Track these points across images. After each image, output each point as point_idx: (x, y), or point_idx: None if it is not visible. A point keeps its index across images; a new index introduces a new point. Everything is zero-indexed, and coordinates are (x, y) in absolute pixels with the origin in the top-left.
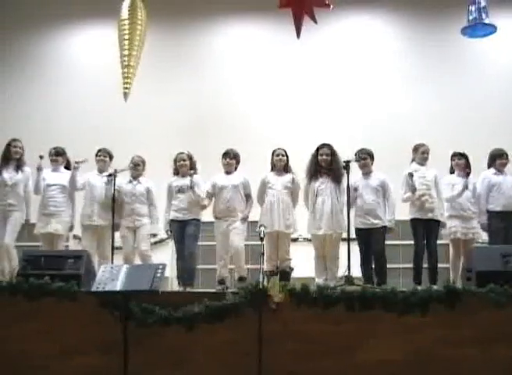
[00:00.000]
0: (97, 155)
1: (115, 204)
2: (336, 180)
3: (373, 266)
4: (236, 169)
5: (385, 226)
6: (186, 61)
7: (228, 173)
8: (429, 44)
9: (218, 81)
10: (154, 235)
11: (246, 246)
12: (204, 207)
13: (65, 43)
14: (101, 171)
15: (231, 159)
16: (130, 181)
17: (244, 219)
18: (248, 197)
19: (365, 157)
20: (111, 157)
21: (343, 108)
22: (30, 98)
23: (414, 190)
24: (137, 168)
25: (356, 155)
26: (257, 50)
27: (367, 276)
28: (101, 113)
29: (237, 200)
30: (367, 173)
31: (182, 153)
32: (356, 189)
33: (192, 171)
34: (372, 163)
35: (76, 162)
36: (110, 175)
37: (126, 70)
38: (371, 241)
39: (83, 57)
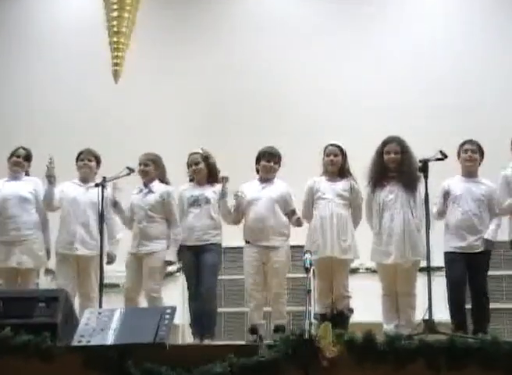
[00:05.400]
0: (78, 159)
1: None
2: (410, 186)
3: (468, 307)
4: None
5: (489, 251)
6: (201, 27)
7: (265, 180)
8: None
9: (247, 55)
10: (170, 263)
11: (286, 280)
12: (235, 221)
13: (40, 4)
14: (84, 180)
15: (275, 163)
16: (141, 190)
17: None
18: (291, 215)
19: (475, 150)
20: (98, 161)
21: (410, 90)
22: None
23: None
24: (146, 171)
25: (440, 151)
26: (301, 12)
27: (459, 321)
28: (87, 101)
29: (273, 216)
30: (470, 174)
31: (195, 153)
32: (448, 193)
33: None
34: (481, 162)
35: (50, 176)
36: (97, 185)
37: (115, 39)
38: (469, 270)
39: (64, 21)
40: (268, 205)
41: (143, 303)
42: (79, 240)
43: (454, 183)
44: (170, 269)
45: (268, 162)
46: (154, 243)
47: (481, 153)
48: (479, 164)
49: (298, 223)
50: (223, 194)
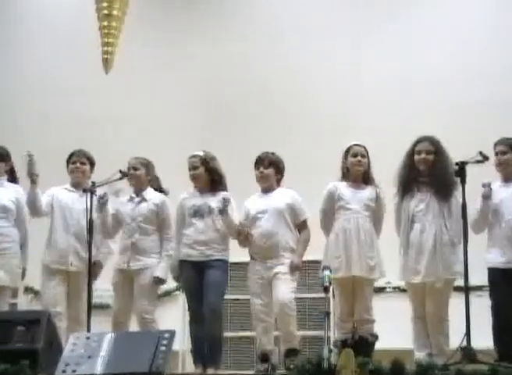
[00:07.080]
0: (69, 162)
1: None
2: (444, 193)
3: None
4: (278, 183)
5: None
6: (209, 11)
7: (266, 190)
8: None
9: (260, 44)
10: (159, 280)
11: (301, 300)
12: (242, 236)
13: None
14: (77, 185)
15: (266, 168)
16: (131, 198)
17: (296, 268)
18: (302, 227)
19: (505, 151)
20: (92, 164)
21: (446, 85)
22: None
23: None
24: (137, 175)
25: (480, 152)
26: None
27: (503, 349)
28: (76, 96)
29: (281, 231)
30: (507, 178)
31: (194, 156)
32: (488, 185)
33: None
34: None
35: (32, 174)
36: (85, 190)
37: (105, 23)
38: None
39: (51, 10)
40: (275, 219)
41: (133, 327)
42: (73, 254)
43: (494, 189)
44: (167, 287)
45: (257, 169)
46: (148, 258)
47: None
48: None
49: (308, 240)
50: (223, 213)
